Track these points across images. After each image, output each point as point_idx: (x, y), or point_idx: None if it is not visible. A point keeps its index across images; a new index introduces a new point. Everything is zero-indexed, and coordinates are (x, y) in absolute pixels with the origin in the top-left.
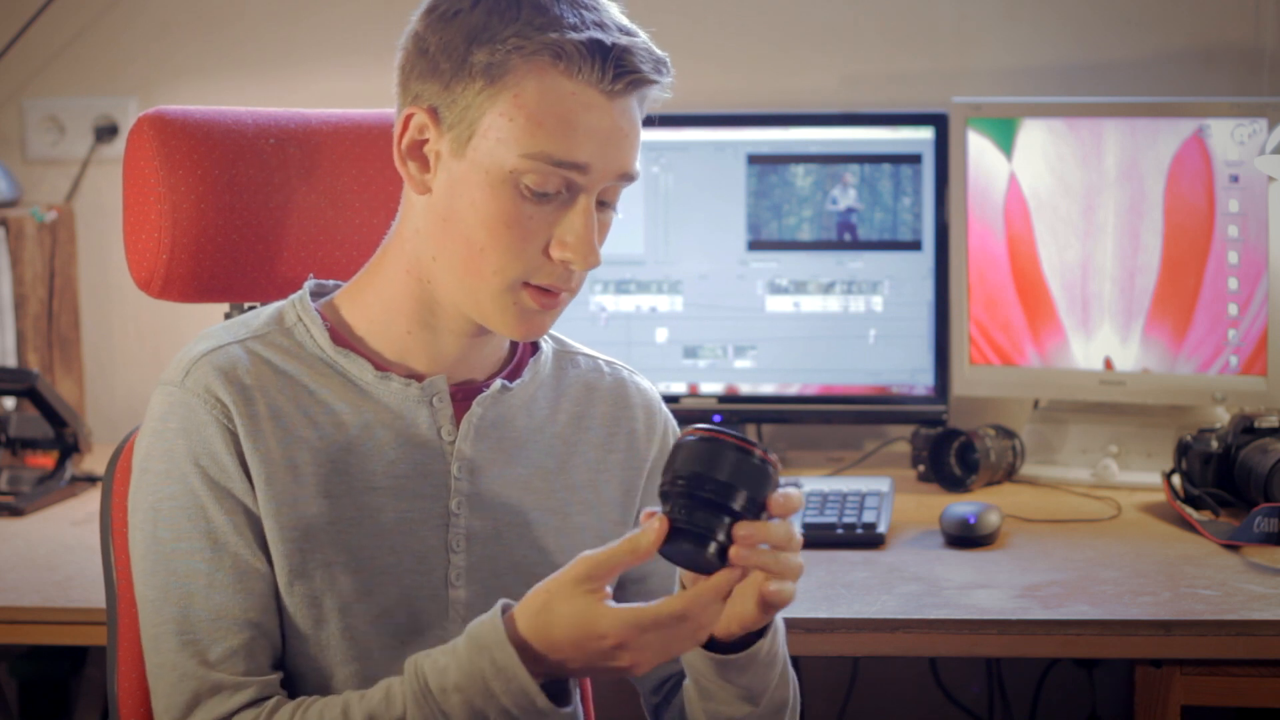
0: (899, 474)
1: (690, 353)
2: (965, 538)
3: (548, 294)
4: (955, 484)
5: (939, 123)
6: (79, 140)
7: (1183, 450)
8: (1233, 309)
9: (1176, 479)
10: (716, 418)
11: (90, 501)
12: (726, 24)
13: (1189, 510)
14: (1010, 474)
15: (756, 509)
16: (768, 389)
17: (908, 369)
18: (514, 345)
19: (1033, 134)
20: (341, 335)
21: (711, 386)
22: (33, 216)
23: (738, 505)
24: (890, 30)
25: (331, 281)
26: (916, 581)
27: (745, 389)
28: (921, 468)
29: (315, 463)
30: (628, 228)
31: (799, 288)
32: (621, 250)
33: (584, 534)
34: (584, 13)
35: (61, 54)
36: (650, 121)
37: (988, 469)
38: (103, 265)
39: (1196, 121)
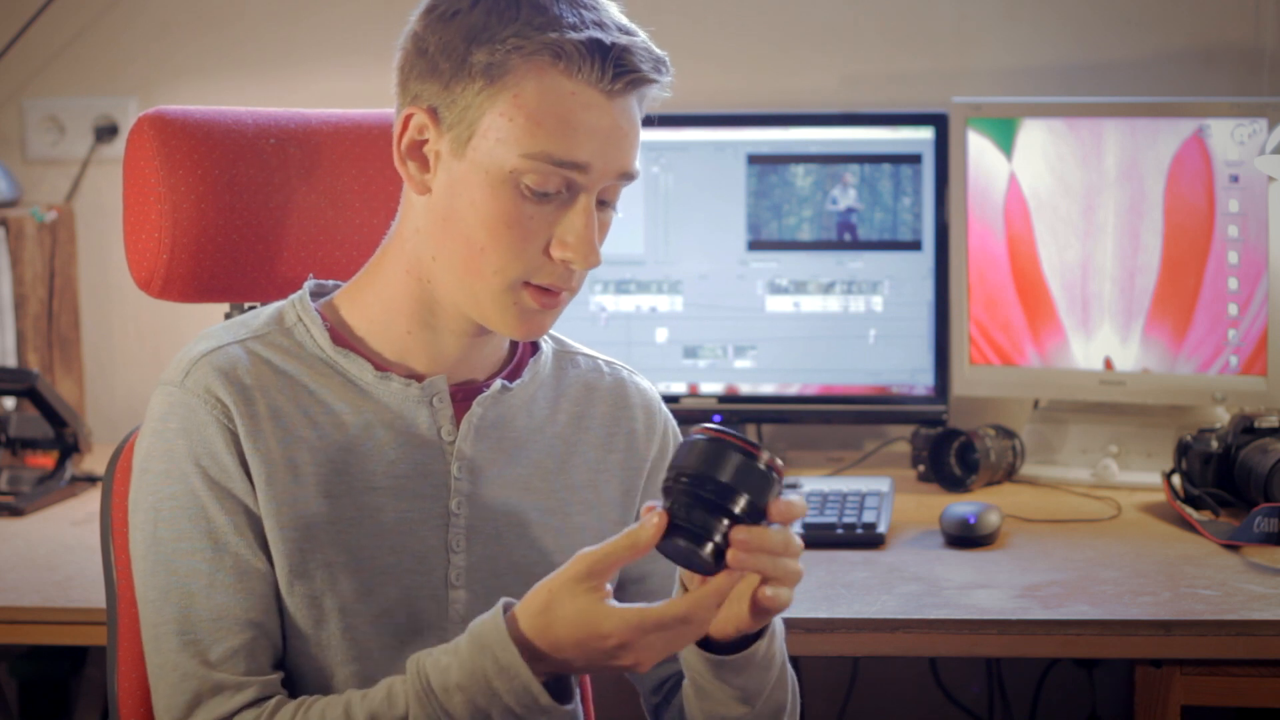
0: (899, 474)
1: (690, 353)
2: (965, 538)
3: (548, 294)
4: (955, 484)
5: (939, 123)
6: (79, 140)
7: (1183, 450)
8: (1233, 309)
9: (1176, 479)
10: (716, 418)
11: (90, 501)
12: (726, 24)
13: (1189, 510)
14: (1010, 474)
15: (757, 514)
16: (768, 389)
17: (908, 369)
18: (514, 345)
19: (1033, 134)
20: (341, 335)
21: (711, 386)
22: (33, 216)
23: (738, 509)
24: (890, 30)
25: (331, 281)
26: (916, 581)
27: (745, 389)
28: (921, 468)
29: (315, 463)
30: (628, 228)
31: (799, 288)
32: (621, 250)
33: (584, 534)
34: (583, 12)
35: (61, 54)
36: (650, 121)
37: (988, 469)
38: (103, 265)
39: (1196, 121)
